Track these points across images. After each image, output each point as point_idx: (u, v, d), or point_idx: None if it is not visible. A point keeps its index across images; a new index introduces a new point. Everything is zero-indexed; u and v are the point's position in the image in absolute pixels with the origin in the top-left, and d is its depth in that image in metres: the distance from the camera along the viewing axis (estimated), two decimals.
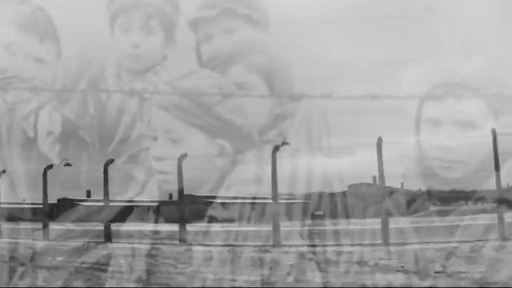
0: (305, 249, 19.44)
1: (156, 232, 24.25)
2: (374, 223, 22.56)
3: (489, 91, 21.79)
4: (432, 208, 25.83)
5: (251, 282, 14.74)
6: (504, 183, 24.58)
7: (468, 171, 21.95)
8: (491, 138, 21.76)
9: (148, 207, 25.64)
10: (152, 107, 24.17)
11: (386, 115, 22.54)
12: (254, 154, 23.49)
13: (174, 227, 24.04)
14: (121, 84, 24.57)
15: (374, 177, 26.38)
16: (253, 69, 23.72)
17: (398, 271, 15.43)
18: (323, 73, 22.10)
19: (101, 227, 24.12)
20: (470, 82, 22.02)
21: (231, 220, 23.72)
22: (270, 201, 24.43)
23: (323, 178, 23.36)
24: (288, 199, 24.63)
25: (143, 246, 20.80)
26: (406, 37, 22.35)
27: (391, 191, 24.51)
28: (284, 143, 21.86)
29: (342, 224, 23.59)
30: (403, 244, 19.68)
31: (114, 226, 24.28)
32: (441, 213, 24.92)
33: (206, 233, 22.80)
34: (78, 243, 22.31)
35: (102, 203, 24.77)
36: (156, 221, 25.84)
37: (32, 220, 25.76)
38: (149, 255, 18.95)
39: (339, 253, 18.10)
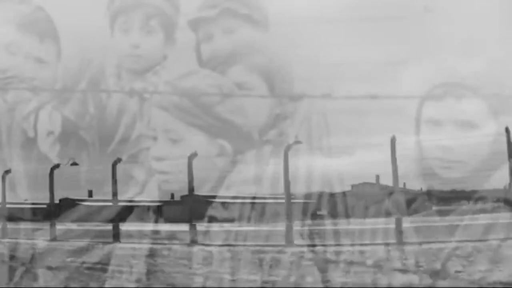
0: (319, 249, 19.26)
1: (162, 232, 24.14)
2: (380, 223, 22.46)
3: (489, 91, 21.78)
4: (434, 208, 25.84)
5: (271, 282, 14.63)
6: (504, 183, 24.62)
7: (468, 171, 21.94)
8: (491, 138, 21.75)
9: (149, 207, 25.61)
10: (152, 107, 24.18)
11: (386, 115, 22.54)
12: (254, 154, 23.49)
13: (178, 227, 23.96)
14: (121, 84, 24.58)
15: (377, 177, 26.39)
16: (253, 69, 23.71)
17: (416, 271, 15.32)
18: (323, 73, 22.11)
19: (106, 227, 23.99)
20: (470, 82, 22.01)
21: (232, 220, 23.70)
22: (270, 201, 24.47)
23: (323, 178, 23.37)
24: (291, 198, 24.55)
25: (153, 246, 20.67)
26: (406, 37, 22.34)
27: (396, 191, 24.55)
28: (296, 142, 21.76)
29: (347, 224, 23.44)
30: (418, 243, 19.39)
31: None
32: (441, 213, 24.92)
33: (211, 233, 22.62)
34: (85, 243, 22.15)
35: (105, 203, 24.74)
36: (159, 222, 25.77)
37: (33, 220, 25.75)
38: (161, 256, 18.81)
39: (354, 253, 18.00)
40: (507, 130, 21.72)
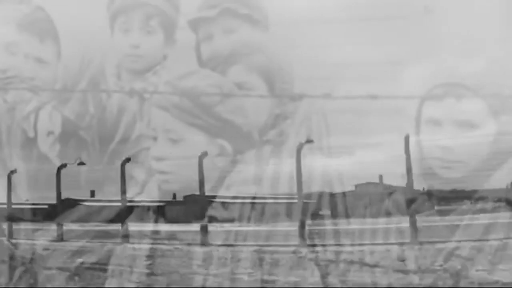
0: (333, 249, 19.08)
1: (169, 233, 23.99)
2: (388, 222, 22.37)
3: (489, 91, 21.77)
4: (437, 207, 25.82)
5: (293, 283, 14.51)
6: (504, 183, 24.63)
7: (468, 171, 21.94)
8: (491, 138, 21.75)
9: (152, 208, 25.56)
10: (152, 107, 24.18)
11: (386, 115, 22.53)
12: (254, 154, 23.49)
13: (183, 228, 23.86)
14: (121, 84, 24.59)
15: (381, 176, 26.37)
16: (253, 69, 23.72)
17: (437, 270, 15.18)
18: (323, 73, 22.08)
19: (112, 227, 23.85)
20: (470, 82, 22.00)
21: (236, 220, 23.67)
22: (271, 201, 24.45)
23: (324, 178, 23.36)
24: (291, 198, 24.54)
25: (164, 247, 20.38)
26: (406, 37, 22.33)
27: (402, 191, 24.57)
28: (309, 140, 21.67)
29: (355, 224, 23.27)
30: (433, 242, 19.17)
31: (116, 226, 24.12)
32: (442, 213, 24.90)
33: (221, 233, 22.46)
34: (93, 244, 21.73)
35: (112, 203, 24.69)
36: (162, 222, 25.70)
37: (34, 221, 25.70)
38: (174, 256, 18.71)
39: (373, 253, 17.75)
40: None
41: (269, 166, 23.31)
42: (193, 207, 24.18)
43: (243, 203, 23.64)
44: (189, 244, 20.67)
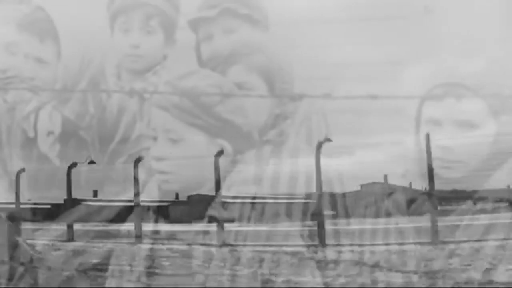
0: (354, 248, 18.94)
1: (176, 233, 23.84)
2: (399, 222, 22.28)
3: (489, 91, 21.77)
4: (439, 207, 25.80)
5: (325, 284, 14.40)
6: (504, 183, 24.63)
7: (468, 171, 21.93)
8: (491, 138, 21.75)
9: (155, 207, 25.48)
10: (152, 107, 24.18)
11: (386, 115, 22.52)
12: (254, 154, 23.48)
13: (189, 227, 23.79)
14: (121, 84, 24.59)
15: (385, 176, 26.35)
16: (253, 69, 23.72)
17: (466, 269, 15.09)
18: (323, 73, 22.08)
19: (121, 227, 23.75)
20: (470, 82, 22.01)
21: (235, 220, 23.62)
22: (271, 201, 24.43)
23: (323, 178, 23.34)
24: (292, 198, 24.49)
25: (179, 247, 20.30)
26: (406, 37, 22.32)
27: (409, 191, 24.62)
28: (327, 139, 21.63)
29: (362, 224, 23.07)
30: (453, 242, 19.02)
31: (116, 226, 24.07)
32: (443, 213, 24.89)
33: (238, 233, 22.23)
34: (106, 244, 21.53)
35: (111, 203, 24.66)
36: (166, 222, 25.61)
37: (34, 221, 25.64)
38: (195, 257, 18.46)
39: (395, 253, 17.66)
40: None
41: (269, 166, 23.31)
42: (198, 207, 24.20)
43: (249, 203, 23.57)
44: (206, 245, 20.55)
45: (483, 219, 21.61)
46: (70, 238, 23.52)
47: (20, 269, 14.87)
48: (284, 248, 19.27)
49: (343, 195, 24.51)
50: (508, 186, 25.01)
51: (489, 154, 21.74)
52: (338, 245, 19.82)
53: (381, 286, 13.92)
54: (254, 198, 23.87)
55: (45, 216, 25.85)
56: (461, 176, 21.77)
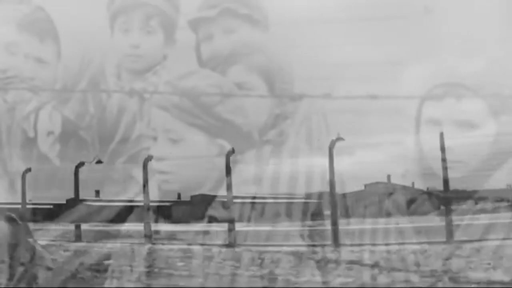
0: (368, 248, 18.67)
1: (182, 233, 23.68)
2: (406, 222, 22.20)
3: (489, 91, 21.77)
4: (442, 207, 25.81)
5: (344, 284, 14.26)
6: (504, 183, 24.65)
7: (468, 171, 21.92)
8: (491, 138, 21.74)
9: (158, 208, 25.43)
10: (152, 107, 24.19)
11: (386, 115, 22.53)
12: (254, 154, 23.48)
13: (193, 227, 23.70)
14: (121, 84, 24.59)
15: (389, 176, 26.36)
16: (253, 69, 23.72)
17: (488, 268, 15.01)
18: (323, 73, 22.07)
19: (129, 227, 23.62)
20: (470, 82, 22.00)
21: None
22: (271, 200, 24.43)
23: (323, 178, 23.34)
24: (295, 198, 24.48)
25: (191, 247, 19.97)
26: (406, 37, 22.33)
27: (411, 190, 24.67)
28: (339, 138, 21.58)
29: (370, 224, 22.90)
30: (469, 241, 18.63)
31: (116, 226, 24.00)
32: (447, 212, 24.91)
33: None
34: (116, 244, 21.19)
35: (114, 203, 24.65)
36: (169, 222, 25.56)
37: (35, 221, 25.59)
38: (208, 257, 18.30)
39: (415, 253, 17.41)
40: None
41: (269, 166, 23.31)
42: (201, 206, 24.20)
43: (249, 203, 23.55)
44: (220, 245, 20.37)
45: (485, 219, 21.59)
46: (78, 239, 23.43)
47: (34, 270, 14.70)
48: (297, 249, 19.06)
49: (347, 195, 24.54)
50: (509, 186, 25.04)
51: (489, 154, 21.73)
52: (351, 245, 19.61)
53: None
54: (254, 198, 23.88)
55: (45, 216, 25.84)
56: (461, 176, 21.76)
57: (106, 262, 17.56)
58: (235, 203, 23.75)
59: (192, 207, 25.62)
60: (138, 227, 23.17)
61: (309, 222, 23.26)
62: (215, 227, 23.38)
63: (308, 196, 24.44)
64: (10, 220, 14.42)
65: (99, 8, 24.03)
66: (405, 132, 23.15)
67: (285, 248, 19.03)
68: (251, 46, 23.80)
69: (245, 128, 23.56)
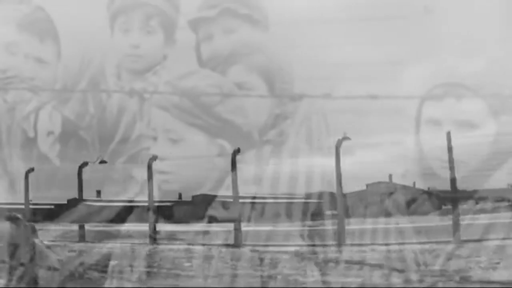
0: (377, 248, 18.62)
1: (187, 233, 23.56)
2: (407, 221, 22.17)
3: (489, 91, 21.77)
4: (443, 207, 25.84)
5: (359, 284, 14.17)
6: (504, 183, 24.65)
7: (468, 171, 21.92)
8: (491, 138, 21.75)
9: (160, 207, 25.36)
10: (152, 107, 24.18)
11: (386, 115, 22.53)
12: (254, 154, 23.48)
13: (197, 227, 23.64)
14: (121, 84, 24.59)
15: (390, 176, 26.37)
16: (253, 69, 23.72)
17: (497, 268, 14.96)
18: (323, 73, 22.08)
19: (132, 227, 23.54)
20: (470, 82, 22.01)
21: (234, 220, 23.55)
22: (271, 200, 24.43)
23: (323, 178, 23.35)
24: (295, 198, 24.47)
25: (196, 248, 19.85)
26: (406, 37, 22.33)
27: (419, 191, 24.68)
28: (345, 137, 21.56)
29: (371, 223, 22.75)
30: (476, 240, 18.62)
31: (119, 227, 23.93)
32: (444, 212, 24.92)
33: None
34: (119, 245, 20.94)
35: (116, 204, 24.62)
36: (170, 222, 25.49)
37: (36, 221, 25.52)
38: (217, 258, 18.17)
39: (421, 252, 17.31)
40: None
41: (269, 166, 23.31)
42: (202, 206, 24.20)
43: (249, 203, 23.52)
44: (225, 245, 20.24)
45: (489, 218, 21.55)
46: (82, 239, 23.35)
47: (34, 270, 14.57)
48: (304, 248, 18.94)
49: (350, 194, 24.53)
50: (509, 185, 25.04)
51: (489, 154, 21.74)
52: (358, 244, 19.51)
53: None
54: (254, 198, 23.87)
55: (46, 217, 25.82)
56: (461, 176, 21.76)
57: (112, 262, 17.39)
58: (231, 203, 23.79)
59: (193, 207, 25.61)
60: (140, 227, 23.16)
61: (309, 222, 23.24)
62: (217, 227, 23.38)
63: (308, 196, 24.44)
64: (15, 220, 14.38)
65: (99, 8, 24.04)
66: (405, 132, 23.18)
67: (290, 248, 18.97)
68: (251, 46, 23.80)
69: (245, 128, 23.56)
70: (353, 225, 22.23)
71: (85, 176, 24.36)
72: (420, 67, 22.88)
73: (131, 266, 17.05)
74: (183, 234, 23.13)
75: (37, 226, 22.91)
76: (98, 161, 23.94)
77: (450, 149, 20.75)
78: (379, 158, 23.82)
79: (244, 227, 22.50)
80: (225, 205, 24.05)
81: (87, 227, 24.15)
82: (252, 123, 23.55)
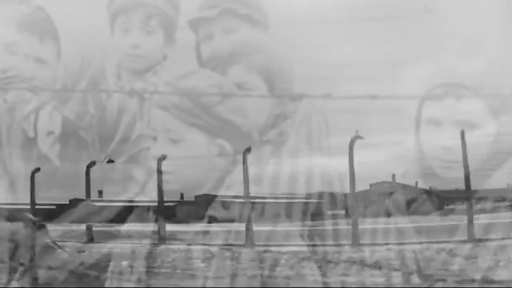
0: (391, 247, 18.40)
1: (191, 233, 23.40)
2: (418, 221, 22.11)
3: (489, 91, 21.79)
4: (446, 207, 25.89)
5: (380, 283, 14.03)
6: (504, 183, 24.66)
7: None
8: (491, 138, 21.76)
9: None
10: (152, 107, 24.18)
11: (386, 115, 22.53)
12: (254, 154, 23.46)
13: (200, 227, 23.58)
14: (121, 84, 24.59)
15: (393, 176, 26.37)
16: (253, 69, 23.73)
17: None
18: (323, 73, 22.08)
19: (138, 228, 23.46)
20: (470, 82, 22.02)
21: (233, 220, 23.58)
22: (271, 200, 24.43)
23: (323, 178, 23.36)
24: (295, 198, 24.45)
25: (209, 248, 19.52)
26: (406, 37, 22.34)
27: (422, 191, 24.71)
28: (357, 136, 21.50)
29: (377, 223, 22.62)
30: (491, 240, 18.49)
31: (123, 227, 23.86)
32: (445, 212, 24.95)
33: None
34: (129, 245, 20.68)
35: (119, 204, 24.60)
36: (173, 222, 25.44)
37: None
38: (232, 258, 17.99)
39: (437, 251, 17.25)
40: None
41: (269, 166, 23.32)
42: (206, 206, 24.19)
43: (256, 203, 23.50)
44: (236, 246, 20.08)
45: (484, 219, 21.56)
46: (90, 239, 23.28)
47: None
48: (318, 248, 18.78)
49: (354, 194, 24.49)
50: (509, 185, 25.06)
51: (489, 154, 21.75)
52: (371, 244, 19.32)
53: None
54: (254, 198, 23.87)
55: (47, 217, 25.76)
56: (461, 176, 21.77)
57: (124, 263, 17.19)
58: (234, 203, 23.82)
59: (196, 207, 25.61)
60: (144, 227, 23.13)
61: (314, 222, 23.23)
62: (218, 227, 23.35)
63: (308, 196, 24.46)
64: (29, 221, 14.32)
65: (99, 8, 24.04)
66: (405, 132, 23.18)
67: (303, 249, 18.84)
68: (251, 46, 23.81)
69: (245, 128, 23.56)
70: (360, 224, 22.12)
71: (83, 176, 24.36)
72: (420, 67, 22.89)
73: (145, 267, 16.85)
74: (187, 234, 23.08)
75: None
76: (106, 160, 23.94)
77: (464, 147, 20.70)
78: (379, 158, 23.84)
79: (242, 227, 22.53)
80: (226, 205, 24.08)
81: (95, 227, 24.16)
82: (252, 123, 23.56)
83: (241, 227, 21.60)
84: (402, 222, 22.03)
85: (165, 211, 24.25)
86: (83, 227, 24.08)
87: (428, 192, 25.80)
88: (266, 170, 23.18)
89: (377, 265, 16.07)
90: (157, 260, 17.84)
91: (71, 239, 22.10)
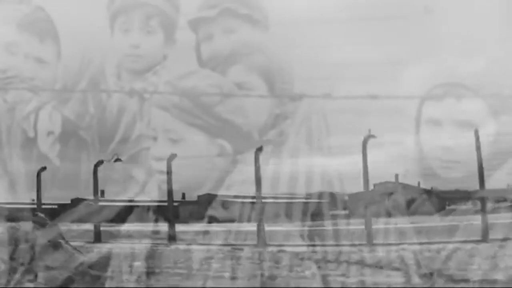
0: (406, 247, 18.39)
1: (194, 233, 23.35)
2: (419, 221, 22.06)
3: (489, 91, 21.79)
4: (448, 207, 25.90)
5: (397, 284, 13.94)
6: (504, 183, 24.66)
7: (468, 171, 21.95)
8: (491, 138, 21.76)
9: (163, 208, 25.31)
10: (152, 107, 24.18)
11: (386, 115, 22.54)
12: (253, 154, 23.46)
13: (204, 227, 23.56)
14: (121, 84, 24.59)
15: (396, 176, 26.37)
16: (253, 69, 23.72)
17: None
18: (323, 73, 22.09)
19: (145, 227, 23.42)
20: (470, 82, 22.03)
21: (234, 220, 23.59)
22: (271, 200, 24.43)
23: (323, 178, 23.36)
24: (295, 198, 24.44)
25: (219, 248, 19.52)
26: (406, 37, 22.35)
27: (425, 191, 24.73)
28: (370, 135, 21.51)
29: (383, 223, 22.54)
30: (505, 239, 18.50)
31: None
32: (446, 212, 24.97)
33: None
34: (138, 245, 20.67)
35: (121, 203, 24.59)
36: (175, 222, 25.34)
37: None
38: (239, 257, 17.86)
39: (453, 251, 17.12)
40: None
41: (269, 166, 23.31)
42: (208, 206, 24.20)
43: (249, 203, 23.50)
44: (248, 245, 19.97)
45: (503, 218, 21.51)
46: (97, 239, 23.23)
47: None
48: (332, 248, 18.71)
49: (356, 194, 24.51)
50: (509, 186, 25.06)
51: (489, 154, 21.75)
52: (385, 244, 19.21)
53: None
54: (254, 198, 23.87)
55: (49, 217, 25.71)
56: (461, 176, 21.79)
57: (135, 263, 17.03)
58: (235, 203, 23.82)
59: (199, 207, 25.61)
60: (147, 227, 23.12)
61: (316, 222, 23.24)
62: (218, 227, 23.35)
63: (309, 196, 24.46)
64: (40, 221, 14.27)
65: (99, 8, 24.04)
66: (405, 132, 23.19)
67: (317, 248, 18.75)
68: (251, 46, 23.80)
69: (245, 128, 23.56)
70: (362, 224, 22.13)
71: (85, 176, 24.39)
72: (420, 67, 22.90)
73: (158, 267, 16.68)
74: (187, 234, 23.08)
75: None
76: (114, 159, 23.94)
77: (478, 147, 20.73)
78: (379, 158, 23.84)
79: (245, 227, 22.55)
80: (228, 205, 24.08)
81: (89, 227, 24.11)
82: (252, 123, 23.56)
83: (244, 227, 21.61)
84: (411, 222, 22.05)
85: (167, 211, 24.32)
86: (84, 226, 24.09)
87: (430, 192, 25.82)
88: (266, 170, 23.19)
89: (393, 266, 15.92)
90: (169, 260, 17.70)
91: (76, 239, 22.04)
